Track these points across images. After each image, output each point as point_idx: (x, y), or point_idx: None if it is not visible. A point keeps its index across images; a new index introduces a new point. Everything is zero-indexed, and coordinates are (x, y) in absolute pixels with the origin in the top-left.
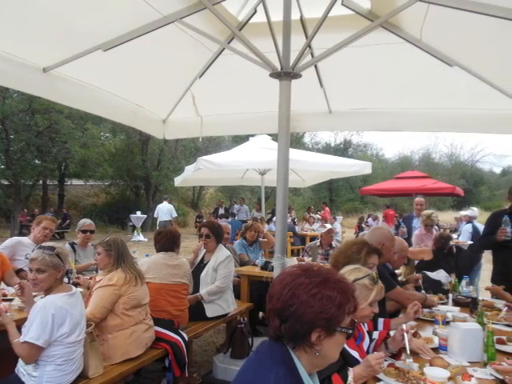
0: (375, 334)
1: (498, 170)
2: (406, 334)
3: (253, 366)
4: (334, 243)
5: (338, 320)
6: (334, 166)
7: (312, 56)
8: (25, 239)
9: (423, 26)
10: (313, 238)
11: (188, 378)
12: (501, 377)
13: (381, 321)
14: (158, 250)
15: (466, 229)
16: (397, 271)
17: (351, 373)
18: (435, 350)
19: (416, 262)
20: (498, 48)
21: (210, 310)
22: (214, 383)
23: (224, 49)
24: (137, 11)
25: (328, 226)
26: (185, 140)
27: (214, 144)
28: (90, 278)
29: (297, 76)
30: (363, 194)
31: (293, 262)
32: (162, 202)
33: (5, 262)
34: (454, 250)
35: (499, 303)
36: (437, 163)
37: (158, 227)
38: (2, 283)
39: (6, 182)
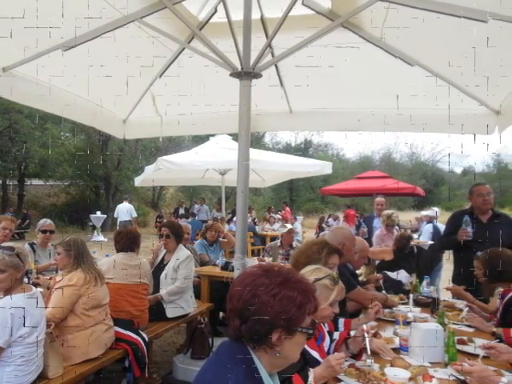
0: (336, 335)
1: (458, 170)
2: (366, 335)
3: (213, 367)
4: (294, 243)
5: (299, 320)
6: (295, 166)
7: (272, 55)
8: None
9: (384, 25)
10: (273, 238)
11: (148, 378)
12: (462, 377)
13: (341, 321)
14: (118, 251)
15: (427, 229)
16: (357, 271)
17: (312, 373)
18: (396, 350)
19: (377, 262)
20: (459, 48)
21: (171, 311)
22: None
23: (184, 48)
24: (97, 10)
25: (288, 226)
26: (145, 140)
27: (174, 144)
28: (50, 279)
29: (257, 76)
30: (324, 194)
31: (253, 262)
32: (122, 202)
33: None
34: (415, 250)
35: (460, 304)
36: (397, 163)
37: (118, 227)
38: None
39: None
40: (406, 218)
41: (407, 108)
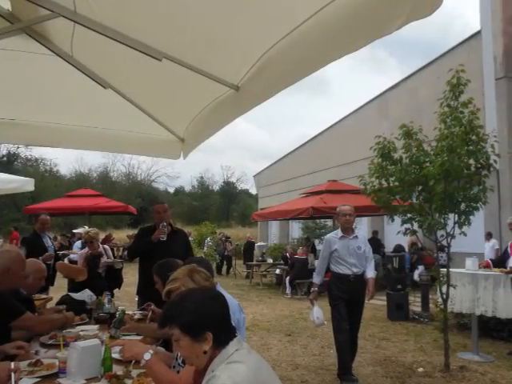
0: None
1: (171, 190)
2: (13, 374)
3: None
4: None
5: None
6: None
7: None
8: None
9: (73, 42)
10: None
11: None
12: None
13: None
14: None
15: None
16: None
17: None
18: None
19: None
20: (146, 76)
21: None
22: None
23: None
24: None
25: None
26: None
27: None
28: None
29: None
30: (29, 213)
31: None
32: None
33: None
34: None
35: None
36: (114, 182)
37: None
38: None
39: None
40: (122, 235)
41: (102, 128)
